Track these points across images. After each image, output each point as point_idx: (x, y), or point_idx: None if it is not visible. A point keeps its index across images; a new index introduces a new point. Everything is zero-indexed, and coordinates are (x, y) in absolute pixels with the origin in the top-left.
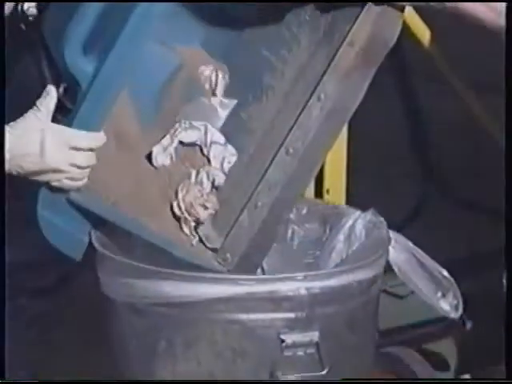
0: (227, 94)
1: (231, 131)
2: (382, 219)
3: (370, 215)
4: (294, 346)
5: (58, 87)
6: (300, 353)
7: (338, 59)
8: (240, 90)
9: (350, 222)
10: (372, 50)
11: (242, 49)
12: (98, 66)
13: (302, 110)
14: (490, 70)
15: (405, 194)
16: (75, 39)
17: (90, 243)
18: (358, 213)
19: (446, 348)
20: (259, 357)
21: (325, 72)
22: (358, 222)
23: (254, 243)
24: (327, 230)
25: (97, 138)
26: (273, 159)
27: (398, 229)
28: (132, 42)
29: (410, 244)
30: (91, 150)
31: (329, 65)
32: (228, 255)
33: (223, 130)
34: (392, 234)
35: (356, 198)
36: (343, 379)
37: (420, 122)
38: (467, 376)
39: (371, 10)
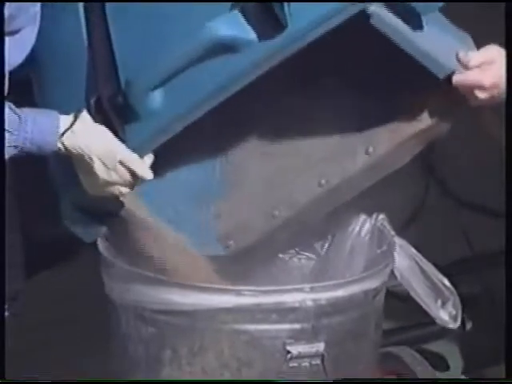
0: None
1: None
2: (387, 225)
3: (375, 220)
4: (300, 356)
5: (110, 98)
6: (305, 364)
7: (399, 126)
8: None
9: (357, 228)
10: (437, 129)
11: None
12: (165, 106)
13: (347, 152)
14: None
15: (405, 194)
16: (153, 76)
17: (96, 249)
18: (363, 217)
19: (446, 348)
20: (264, 367)
21: (380, 128)
22: (364, 227)
23: (260, 243)
24: (331, 234)
25: (147, 170)
26: (302, 182)
27: (399, 229)
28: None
29: (413, 250)
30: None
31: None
32: (231, 242)
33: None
34: (396, 239)
35: (356, 198)
36: (343, 379)
37: None
38: (467, 376)
39: (450, 100)
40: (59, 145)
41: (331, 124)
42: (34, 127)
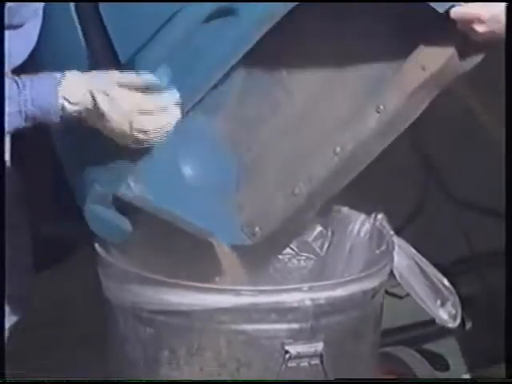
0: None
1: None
2: (386, 225)
3: (374, 220)
4: (299, 356)
5: None
6: (304, 364)
7: (405, 78)
8: None
9: (356, 227)
10: (442, 76)
11: None
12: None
13: (357, 115)
14: (490, 69)
15: (405, 193)
16: (156, 52)
17: (94, 248)
18: (362, 217)
19: (446, 348)
20: (263, 367)
21: (387, 83)
22: (363, 227)
23: (285, 225)
24: (330, 234)
25: (150, 76)
26: (317, 153)
27: (398, 229)
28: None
29: (413, 250)
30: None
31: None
32: (257, 229)
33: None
34: (395, 239)
35: (355, 197)
36: (343, 379)
37: (420, 121)
38: (467, 376)
39: (451, 44)
40: (60, 100)
41: (338, 90)
42: (32, 90)
